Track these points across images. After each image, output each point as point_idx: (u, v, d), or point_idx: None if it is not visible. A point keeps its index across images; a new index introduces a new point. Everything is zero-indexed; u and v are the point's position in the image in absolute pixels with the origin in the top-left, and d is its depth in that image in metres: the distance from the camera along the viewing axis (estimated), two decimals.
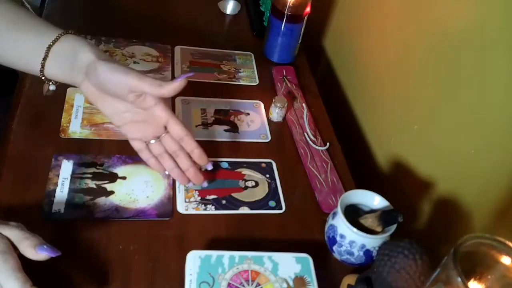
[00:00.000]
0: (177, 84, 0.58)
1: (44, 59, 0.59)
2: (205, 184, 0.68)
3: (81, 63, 0.59)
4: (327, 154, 0.79)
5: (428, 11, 0.73)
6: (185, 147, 0.65)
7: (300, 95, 0.88)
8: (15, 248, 0.48)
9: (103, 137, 0.72)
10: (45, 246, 0.48)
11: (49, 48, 0.58)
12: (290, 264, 0.58)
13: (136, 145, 0.65)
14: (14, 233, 0.48)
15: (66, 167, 0.66)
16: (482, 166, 0.63)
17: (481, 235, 0.40)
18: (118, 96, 0.60)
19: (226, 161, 0.74)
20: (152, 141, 0.64)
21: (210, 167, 0.67)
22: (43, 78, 0.61)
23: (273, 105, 0.82)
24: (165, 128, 0.64)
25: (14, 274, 0.45)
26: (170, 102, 0.80)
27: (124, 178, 0.67)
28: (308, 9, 0.90)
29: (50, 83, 0.62)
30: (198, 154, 0.65)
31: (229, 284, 0.55)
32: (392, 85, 0.84)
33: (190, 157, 0.66)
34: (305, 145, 0.79)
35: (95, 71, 0.58)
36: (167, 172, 0.67)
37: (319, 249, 0.64)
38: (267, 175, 0.73)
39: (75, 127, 0.72)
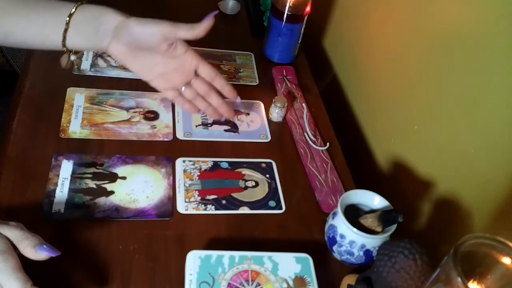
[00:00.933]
0: (207, 23, 0.63)
1: (66, 30, 0.61)
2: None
3: (108, 26, 0.62)
4: (327, 154, 0.79)
5: (428, 12, 0.73)
6: (216, 85, 0.70)
7: (300, 95, 0.88)
8: (15, 248, 0.48)
9: (103, 137, 0.72)
10: (44, 246, 0.48)
11: (69, 18, 0.61)
12: (290, 264, 0.58)
13: (170, 94, 0.70)
14: (13, 233, 0.48)
15: (66, 167, 0.66)
16: (482, 166, 0.63)
17: (481, 235, 0.40)
18: (151, 49, 0.64)
19: (226, 161, 0.74)
20: (183, 88, 0.69)
21: (239, 100, 0.73)
22: (64, 49, 0.63)
23: (273, 105, 0.82)
24: (194, 73, 0.69)
25: (14, 274, 0.45)
26: (171, 102, 0.80)
27: (124, 178, 0.67)
28: (308, 9, 0.90)
29: (71, 53, 0.65)
30: (228, 90, 0.71)
31: (229, 284, 0.55)
32: (392, 85, 0.84)
33: (220, 95, 0.71)
34: (305, 145, 0.79)
35: (127, 29, 0.61)
36: (201, 113, 0.73)
37: (319, 249, 0.64)
38: (267, 175, 0.73)
39: (75, 127, 0.72)
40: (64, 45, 0.62)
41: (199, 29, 0.63)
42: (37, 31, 0.62)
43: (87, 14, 0.62)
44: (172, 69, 0.67)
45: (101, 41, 0.62)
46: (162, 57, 0.65)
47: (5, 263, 0.45)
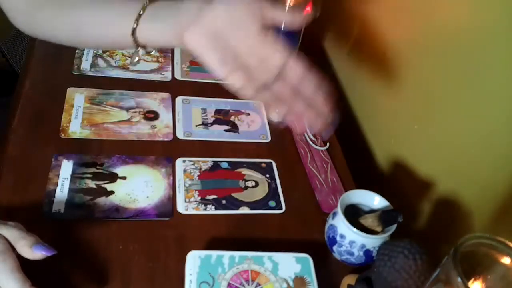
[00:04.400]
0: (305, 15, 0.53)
1: (137, 19, 0.55)
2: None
3: (190, 12, 0.53)
4: (327, 154, 0.79)
5: (428, 11, 0.73)
6: (305, 91, 0.55)
7: None
8: (13, 248, 0.48)
9: (103, 137, 0.72)
10: (40, 245, 0.48)
11: (143, 10, 0.55)
12: (290, 264, 0.58)
13: (249, 92, 0.54)
14: (11, 233, 0.48)
15: (66, 167, 0.66)
16: (482, 166, 0.63)
17: (481, 235, 0.40)
18: (239, 29, 0.52)
19: (226, 161, 0.74)
20: (266, 86, 0.54)
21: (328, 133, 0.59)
22: (136, 44, 0.57)
23: None
24: (281, 71, 0.54)
25: (12, 274, 0.45)
26: (171, 102, 0.80)
27: (124, 178, 0.67)
28: (308, 9, 0.90)
29: (141, 49, 0.58)
30: (321, 100, 0.56)
31: (229, 284, 0.55)
32: (392, 85, 0.84)
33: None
34: (305, 145, 0.79)
35: (212, 12, 0.52)
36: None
37: (319, 249, 0.64)
38: (267, 175, 0.73)
39: (75, 127, 0.72)
40: (135, 40, 0.56)
41: (299, 16, 0.53)
42: (109, 28, 0.57)
43: (161, 5, 0.55)
44: (256, 60, 0.53)
45: (177, 32, 0.54)
46: (248, 45, 0.53)
47: (3, 263, 0.45)
